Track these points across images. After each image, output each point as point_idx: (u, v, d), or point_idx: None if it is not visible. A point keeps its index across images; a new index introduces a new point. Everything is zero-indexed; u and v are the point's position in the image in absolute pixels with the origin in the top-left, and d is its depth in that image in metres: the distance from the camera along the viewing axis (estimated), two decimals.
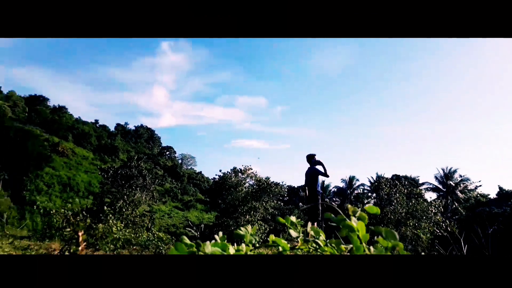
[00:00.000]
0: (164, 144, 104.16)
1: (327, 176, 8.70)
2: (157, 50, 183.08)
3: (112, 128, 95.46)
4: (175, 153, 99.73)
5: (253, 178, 31.46)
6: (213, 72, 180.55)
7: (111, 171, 30.51)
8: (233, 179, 30.73)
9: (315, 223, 8.55)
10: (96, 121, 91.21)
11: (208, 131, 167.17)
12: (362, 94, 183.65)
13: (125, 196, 31.09)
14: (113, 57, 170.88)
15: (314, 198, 8.59)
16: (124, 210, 30.39)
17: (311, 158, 8.93)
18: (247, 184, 31.88)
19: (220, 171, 30.89)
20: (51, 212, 13.84)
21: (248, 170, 31.83)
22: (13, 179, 36.26)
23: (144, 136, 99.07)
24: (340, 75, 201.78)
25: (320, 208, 8.62)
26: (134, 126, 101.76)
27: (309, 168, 8.88)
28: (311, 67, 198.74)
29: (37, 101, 78.74)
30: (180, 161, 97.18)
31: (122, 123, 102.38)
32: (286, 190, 71.65)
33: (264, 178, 31.06)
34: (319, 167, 8.75)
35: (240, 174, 31.89)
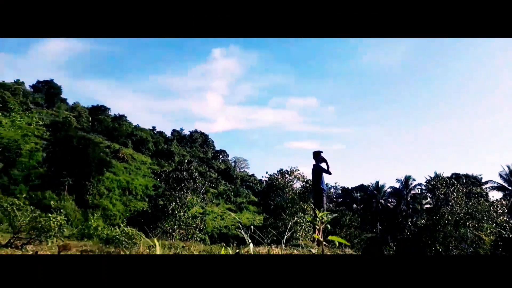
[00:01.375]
0: (217, 148, 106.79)
1: (329, 173, 8.65)
2: (209, 57, 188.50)
3: (168, 134, 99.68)
4: (228, 157, 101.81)
5: (300, 179, 31.19)
6: (264, 75, 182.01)
7: (163, 175, 31.96)
8: (279, 180, 30.75)
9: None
10: (154, 127, 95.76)
11: (261, 134, 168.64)
12: (421, 90, 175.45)
13: (178, 199, 32.33)
14: (170, 66, 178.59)
15: (318, 195, 8.62)
16: (176, 212, 31.68)
17: (316, 156, 8.87)
18: (295, 186, 31.72)
19: (267, 173, 31.22)
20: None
21: (295, 171, 31.64)
22: (77, 184, 39.18)
23: (199, 141, 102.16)
24: (396, 71, 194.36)
25: (325, 205, 8.67)
26: (189, 131, 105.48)
27: (314, 165, 8.86)
28: (364, 64, 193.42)
29: (99, 110, 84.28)
30: (233, 164, 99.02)
31: (178, 129, 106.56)
32: (335, 191, 70.07)
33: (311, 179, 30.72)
34: (323, 165, 8.69)
35: (287, 175, 31.81)
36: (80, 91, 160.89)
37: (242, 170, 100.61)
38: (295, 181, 31.69)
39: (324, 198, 8.66)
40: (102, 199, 41.80)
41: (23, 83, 78.79)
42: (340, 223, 35.62)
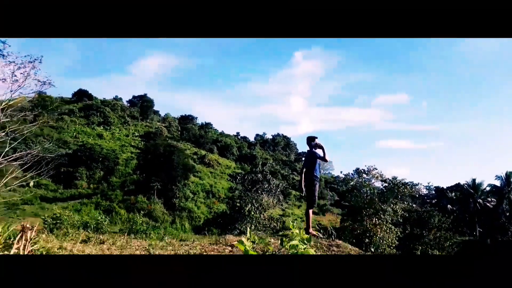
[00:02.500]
0: (300, 151, 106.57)
1: (326, 160, 8.17)
2: (290, 61, 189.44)
3: (252, 139, 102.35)
4: None
5: (379, 178, 29.54)
6: (348, 73, 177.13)
7: (238, 177, 32.80)
8: (354, 180, 29.43)
9: (311, 210, 8.20)
10: (238, 133, 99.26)
11: (347, 135, 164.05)
12: None
13: (254, 200, 32.93)
14: (254, 73, 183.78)
15: (310, 183, 8.01)
16: (252, 213, 32.25)
17: (310, 141, 8.32)
18: (374, 185, 30.13)
19: (341, 172, 30.03)
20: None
21: (373, 170, 30.07)
22: (165, 188, 42.19)
23: (281, 144, 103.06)
24: (498, 59, 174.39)
25: (316, 194, 8.13)
26: (272, 135, 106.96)
27: (308, 151, 8.34)
28: (459, 55, 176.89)
29: (187, 120, 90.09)
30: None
31: (261, 133, 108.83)
32: (428, 191, 64.90)
33: (390, 178, 28.85)
34: (319, 151, 8.11)
35: (364, 175, 30.39)
36: (172, 103, 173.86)
37: (327, 172, 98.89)
38: (373, 181, 30.15)
39: (316, 187, 8.12)
40: (188, 202, 44.34)
41: (121, 99, 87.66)
42: (428, 224, 32.86)
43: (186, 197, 44.98)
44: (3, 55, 13.61)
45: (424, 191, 66.87)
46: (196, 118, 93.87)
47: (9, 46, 13.46)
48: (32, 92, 14.61)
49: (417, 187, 68.55)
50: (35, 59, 14.24)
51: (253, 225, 31.16)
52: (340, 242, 8.29)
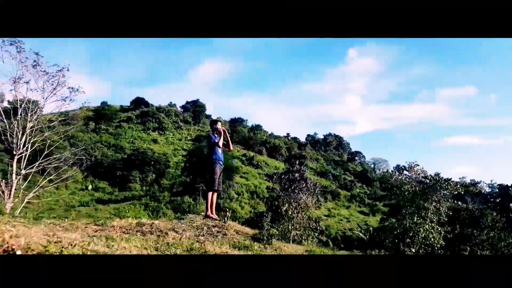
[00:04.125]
0: (355, 150, 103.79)
1: (227, 148, 8.27)
2: (343, 59, 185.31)
3: (303, 139, 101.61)
4: (364, 158, 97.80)
5: (421, 175, 27.97)
6: (408, 68, 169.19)
7: (275, 176, 32.80)
8: (394, 178, 28.09)
9: (211, 192, 8.15)
10: (288, 134, 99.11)
11: (407, 132, 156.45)
12: None
13: (292, 200, 32.62)
14: (306, 73, 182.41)
15: (209, 166, 8.12)
16: (290, 212, 32.03)
17: (212, 124, 8.54)
18: (415, 183, 28.54)
19: (379, 169, 28.78)
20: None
21: (415, 166, 28.57)
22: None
23: (333, 144, 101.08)
24: None
25: (217, 176, 8.06)
26: (323, 135, 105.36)
27: (208, 135, 8.46)
28: None
29: (237, 122, 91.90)
30: (372, 165, 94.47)
31: (314, 134, 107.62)
32: (491, 189, 60.00)
33: (432, 175, 27.16)
34: (218, 137, 8.17)
35: (405, 171, 28.95)
36: (225, 107, 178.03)
37: (384, 171, 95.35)
38: (414, 178, 28.58)
39: (216, 169, 8.05)
40: (232, 202, 45.23)
41: (175, 105, 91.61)
42: (479, 224, 30.45)
43: (230, 198, 45.93)
44: (37, 65, 15.16)
45: (487, 190, 61.87)
46: (246, 120, 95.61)
47: (42, 57, 14.93)
48: (62, 99, 16.07)
49: (479, 185, 63.79)
50: (63, 68, 15.64)
51: (290, 225, 30.90)
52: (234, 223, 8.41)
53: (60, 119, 18.13)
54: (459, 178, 59.88)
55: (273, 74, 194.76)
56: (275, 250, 7.08)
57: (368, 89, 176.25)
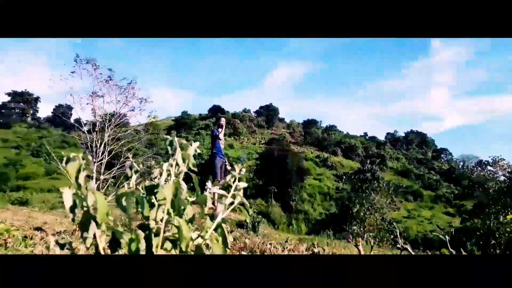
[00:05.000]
0: (441, 147, 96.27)
1: (220, 139, 8.59)
2: (426, 50, 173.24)
3: (382, 138, 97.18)
4: (451, 155, 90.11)
5: (507, 169, 25.10)
6: (503, 53, 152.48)
7: (344, 177, 31.81)
8: (475, 174, 25.44)
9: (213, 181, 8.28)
10: (365, 133, 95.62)
11: (504, 125, 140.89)
12: None
13: (364, 201, 31.46)
14: (384, 70, 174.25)
15: (211, 160, 8.58)
16: (362, 213, 30.91)
17: (216, 121, 9.12)
18: (501, 179, 25.64)
19: (468, 167, 26.36)
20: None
21: (500, 161, 25.73)
22: (281, 191, 43.73)
23: (415, 141, 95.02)
24: None
25: (217, 168, 8.40)
26: (404, 132, 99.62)
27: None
28: None
29: (311, 124, 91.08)
30: (461, 163, 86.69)
31: (394, 132, 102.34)
32: None
33: None
34: (219, 130, 8.62)
35: (489, 167, 26.19)
36: (300, 109, 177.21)
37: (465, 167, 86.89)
38: (500, 173, 25.74)
39: (216, 163, 8.39)
40: (304, 204, 45.00)
41: (249, 110, 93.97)
42: None
43: (302, 200, 45.73)
44: (110, 80, 16.91)
45: None
46: (320, 121, 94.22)
47: (114, 72, 16.60)
48: (131, 109, 17.65)
49: None
50: (131, 81, 17.22)
51: (361, 227, 29.80)
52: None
53: (135, 128, 19.83)
54: None
55: (349, 74, 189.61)
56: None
57: (457, 81, 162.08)
